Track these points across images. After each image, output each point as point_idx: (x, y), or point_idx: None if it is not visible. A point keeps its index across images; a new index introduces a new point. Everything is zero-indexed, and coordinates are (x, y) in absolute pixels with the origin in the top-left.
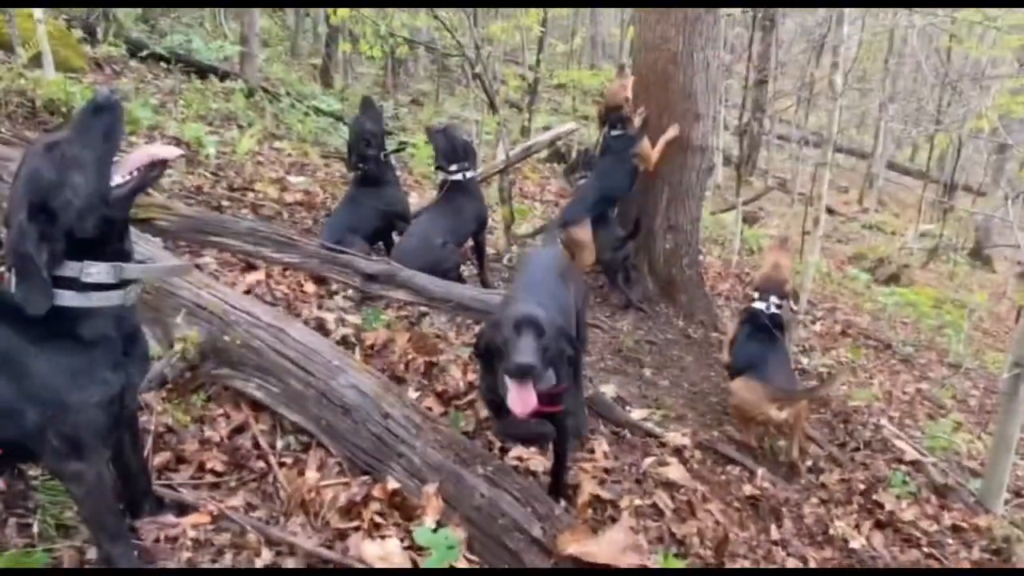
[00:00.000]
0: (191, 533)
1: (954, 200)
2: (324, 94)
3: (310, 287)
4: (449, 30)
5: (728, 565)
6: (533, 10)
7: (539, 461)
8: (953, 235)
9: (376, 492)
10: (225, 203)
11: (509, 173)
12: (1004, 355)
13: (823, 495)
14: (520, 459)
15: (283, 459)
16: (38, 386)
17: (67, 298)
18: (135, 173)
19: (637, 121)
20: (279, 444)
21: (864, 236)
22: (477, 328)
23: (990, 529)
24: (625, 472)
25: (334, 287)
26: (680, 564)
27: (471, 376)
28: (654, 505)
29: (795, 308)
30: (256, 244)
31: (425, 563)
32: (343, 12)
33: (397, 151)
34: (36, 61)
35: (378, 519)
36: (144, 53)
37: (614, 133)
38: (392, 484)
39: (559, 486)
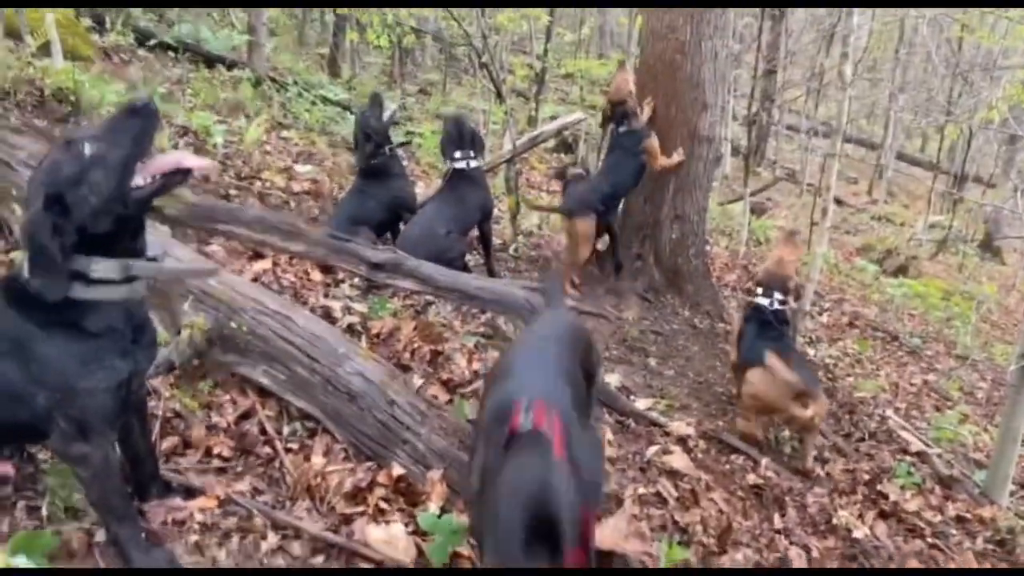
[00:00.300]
0: (198, 516)
1: (964, 191)
2: (331, 83)
3: (317, 276)
4: (456, 20)
5: (731, 553)
6: None
7: None
8: (963, 226)
9: (381, 478)
10: (232, 192)
11: (516, 163)
12: (1012, 347)
13: (827, 485)
14: None
15: (289, 445)
16: (46, 371)
17: (75, 289)
18: (158, 177)
19: (645, 111)
20: (285, 430)
21: (873, 227)
22: (483, 317)
23: (994, 520)
24: (629, 461)
25: (340, 276)
26: (683, 552)
27: (476, 365)
28: (657, 493)
29: (794, 305)
30: (263, 233)
31: (429, 548)
32: None
33: (404, 144)
34: (45, 50)
35: (383, 504)
36: (152, 42)
37: (621, 130)
38: (397, 470)
39: None
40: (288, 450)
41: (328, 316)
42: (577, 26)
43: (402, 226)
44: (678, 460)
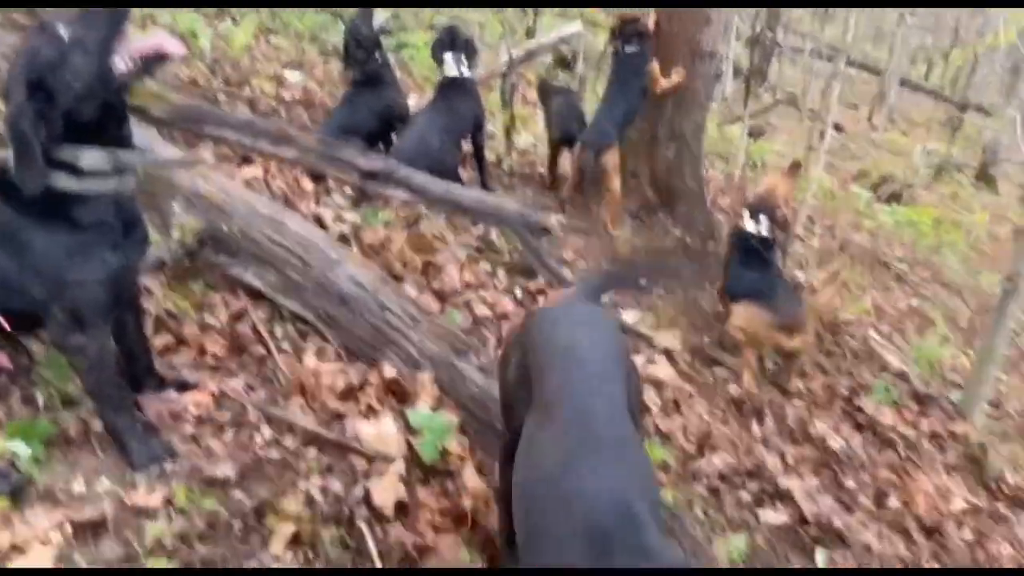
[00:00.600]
0: (193, 410)
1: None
2: None
3: (308, 184)
4: None
5: (709, 456)
6: None
7: None
8: (960, 155)
9: (373, 378)
10: (221, 97)
11: (511, 76)
12: (997, 276)
13: (806, 399)
14: None
15: (282, 346)
16: (40, 262)
17: (62, 181)
18: (138, 60)
19: (649, 24)
20: (278, 331)
21: (871, 154)
22: (475, 230)
23: (967, 436)
24: None
25: (332, 185)
26: (664, 453)
27: (468, 276)
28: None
29: (781, 236)
30: (252, 137)
31: (419, 444)
32: None
33: (396, 51)
34: None
35: (374, 403)
36: None
37: (629, 49)
38: (388, 371)
39: None
40: (281, 351)
41: (319, 225)
42: None
43: (394, 137)
44: (663, 371)
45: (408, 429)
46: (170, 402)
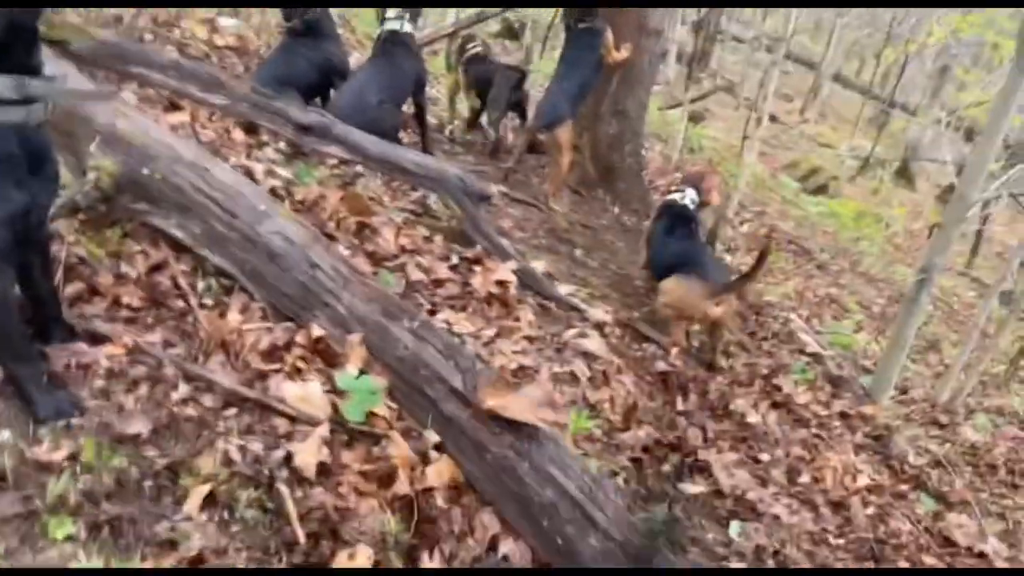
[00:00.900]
0: (104, 363)
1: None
2: None
3: (239, 135)
4: None
5: (634, 430)
6: None
7: (466, 325)
8: (884, 151)
9: (299, 338)
10: (148, 37)
11: (458, 38)
12: (911, 269)
13: (729, 376)
14: (448, 323)
15: (204, 300)
16: None
17: None
18: None
19: None
20: (200, 285)
21: (800, 146)
22: (413, 194)
23: (874, 417)
24: (547, 341)
25: (264, 138)
26: (590, 424)
27: (404, 240)
28: (571, 373)
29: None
30: (180, 80)
31: (345, 406)
32: None
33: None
34: None
35: (300, 364)
36: None
37: (582, 25)
38: (316, 331)
39: None
40: (203, 306)
41: (249, 177)
42: None
43: (333, 93)
44: (593, 343)
45: (335, 391)
46: (80, 354)
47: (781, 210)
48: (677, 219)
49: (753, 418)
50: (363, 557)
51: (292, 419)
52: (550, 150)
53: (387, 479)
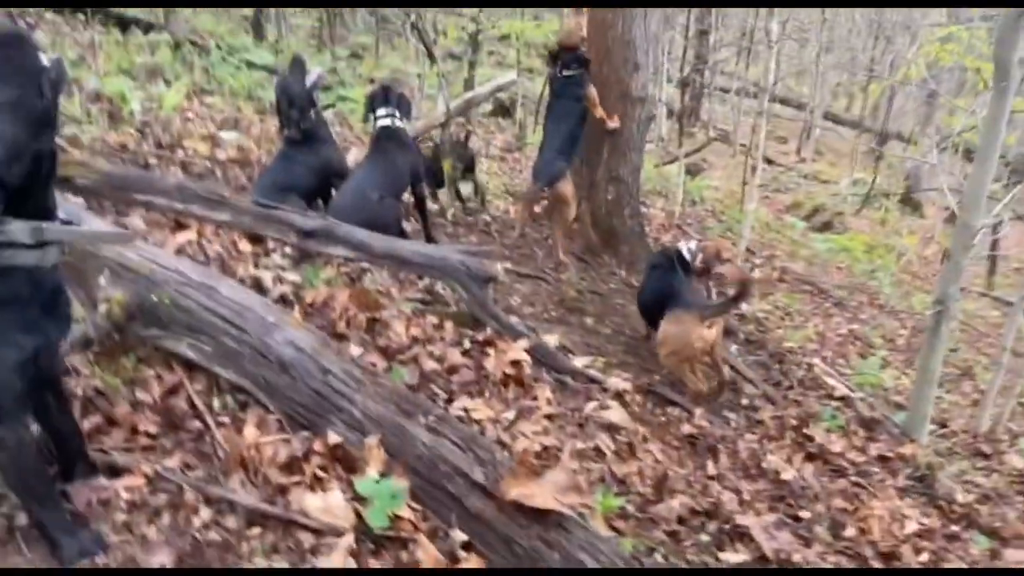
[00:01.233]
0: (125, 495)
1: (887, 148)
2: (256, 46)
3: (245, 246)
4: None
5: (667, 501)
6: None
7: (484, 411)
8: (885, 182)
9: (317, 446)
10: (152, 161)
11: (450, 126)
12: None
13: (757, 431)
14: (466, 409)
15: (220, 418)
16: None
17: None
18: None
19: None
20: (215, 403)
21: (801, 185)
22: (420, 282)
23: (914, 457)
24: (568, 417)
25: (271, 246)
26: (619, 502)
27: (414, 331)
28: (596, 448)
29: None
30: (184, 202)
31: (368, 512)
32: None
33: (329, 106)
34: None
35: (320, 473)
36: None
37: (567, 73)
38: (333, 438)
39: None
40: (219, 424)
41: (259, 287)
42: None
43: (334, 192)
44: (615, 414)
45: (357, 498)
46: (100, 489)
47: (790, 251)
48: (662, 260)
49: (788, 474)
50: None
51: (316, 532)
52: (555, 205)
53: None
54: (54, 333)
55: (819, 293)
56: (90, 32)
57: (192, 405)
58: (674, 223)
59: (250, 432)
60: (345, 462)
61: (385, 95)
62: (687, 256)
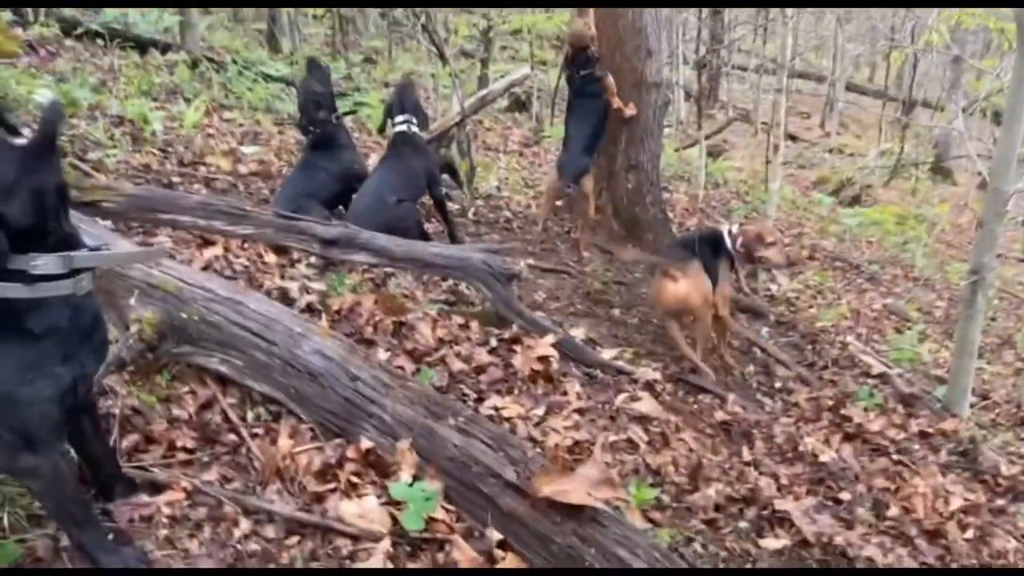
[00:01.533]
0: (166, 511)
1: (914, 116)
2: (272, 59)
3: (271, 257)
4: None
5: (703, 489)
6: None
7: (514, 408)
8: (913, 151)
9: (350, 453)
10: (176, 179)
11: (467, 125)
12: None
13: (793, 414)
14: (495, 408)
15: (254, 430)
16: None
17: (12, 291)
18: None
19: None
20: (249, 416)
21: (826, 160)
22: (444, 284)
23: (956, 432)
24: (599, 410)
25: (296, 256)
26: (653, 493)
27: (440, 332)
28: (628, 439)
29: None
30: (207, 218)
31: (403, 516)
32: None
33: (350, 113)
34: None
35: (354, 479)
36: (79, 31)
37: (583, 73)
38: (365, 444)
39: None
40: (254, 435)
41: (285, 297)
42: None
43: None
44: (646, 405)
45: (391, 502)
46: (141, 506)
47: (819, 228)
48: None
49: (826, 456)
50: None
51: (354, 538)
52: (577, 201)
53: None
54: (92, 361)
55: (851, 269)
56: (110, 57)
57: (226, 419)
58: (698, 207)
59: (284, 442)
60: (378, 467)
61: (402, 104)
62: (726, 240)
